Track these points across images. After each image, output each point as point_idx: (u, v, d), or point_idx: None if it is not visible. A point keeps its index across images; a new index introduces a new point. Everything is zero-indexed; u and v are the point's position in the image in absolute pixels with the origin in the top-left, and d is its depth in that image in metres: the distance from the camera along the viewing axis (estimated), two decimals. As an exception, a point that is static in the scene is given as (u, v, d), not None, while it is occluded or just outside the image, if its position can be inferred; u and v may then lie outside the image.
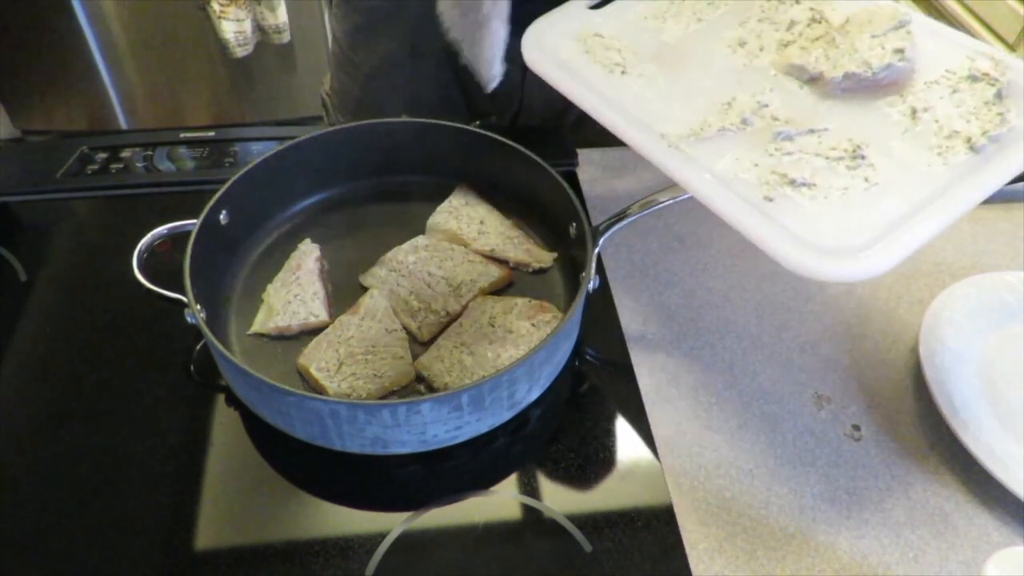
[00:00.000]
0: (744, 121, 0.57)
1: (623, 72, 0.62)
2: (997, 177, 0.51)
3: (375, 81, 0.92)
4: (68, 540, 0.53)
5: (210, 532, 0.54)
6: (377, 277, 0.67)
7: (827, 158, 0.54)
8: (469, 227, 0.72)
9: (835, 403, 0.64)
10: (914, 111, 0.56)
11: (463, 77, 0.89)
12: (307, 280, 0.66)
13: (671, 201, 0.62)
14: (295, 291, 0.65)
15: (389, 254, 0.69)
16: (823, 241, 0.49)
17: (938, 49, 0.60)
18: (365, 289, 0.68)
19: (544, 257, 0.71)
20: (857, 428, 0.62)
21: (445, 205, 0.74)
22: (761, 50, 0.63)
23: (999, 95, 0.55)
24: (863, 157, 0.53)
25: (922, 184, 0.52)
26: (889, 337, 0.69)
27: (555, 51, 0.65)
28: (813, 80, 0.59)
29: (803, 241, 0.49)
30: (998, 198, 0.83)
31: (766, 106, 0.58)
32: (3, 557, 0.52)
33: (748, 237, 0.50)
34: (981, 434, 0.59)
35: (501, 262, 0.71)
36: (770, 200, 0.52)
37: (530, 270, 0.71)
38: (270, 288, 0.66)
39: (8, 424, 0.60)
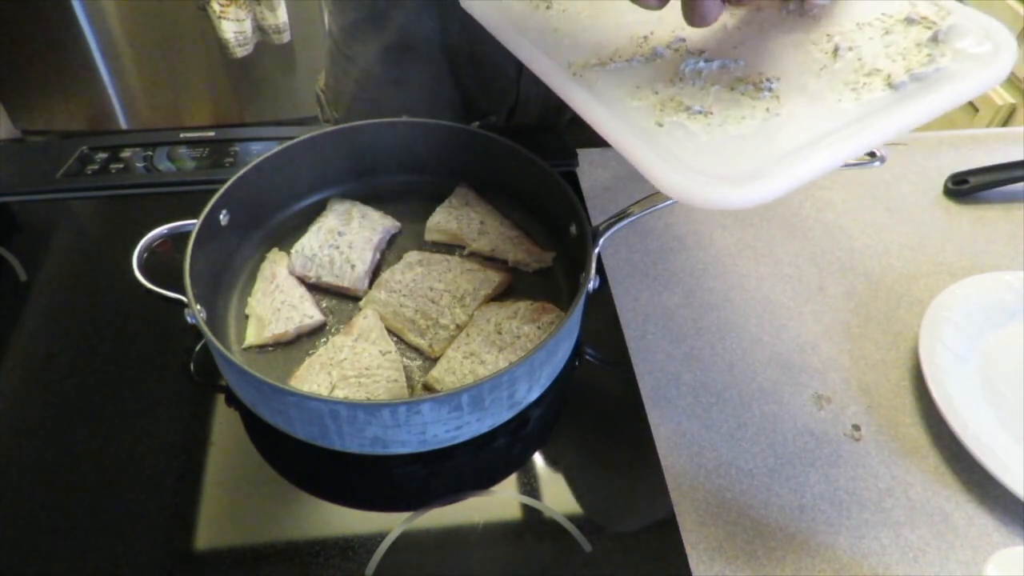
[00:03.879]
0: (655, 52, 0.55)
1: (548, 8, 0.61)
2: (910, 116, 0.47)
3: (370, 77, 0.92)
4: (68, 540, 0.53)
5: (210, 532, 0.54)
6: (378, 301, 0.66)
7: (732, 88, 0.52)
8: (469, 227, 0.72)
9: (835, 403, 0.64)
10: (836, 49, 0.53)
11: (458, 72, 0.89)
12: (288, 285, 0.66)
13: (671, 201, 0.62)
14: (280, 298, 0.65)
15: (385, 275, 0.68)
16: (711, 168, 0.46)
17: None
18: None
19: (544, 257, 0.71)
20: (857, 428, 0.62)
21: (445, 205, 0.74)
22: None
23: (935, 38, 0.51)
24: (770, 89, 0.51)
25: (828, 118, 0.48)
26: (889, 337, 0.69)
27: None
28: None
29: (690, 167, 0.46)
30: (998, 198, 0.83)
31: (683, 40, 0.56)
32: (3, 557, 0.52)
33: (632, 162, 0.48)
34: (981, 434, 0.59)
35: (500, 262, 0.71)
36: (660, 125, 0.50)
37: (530, 270, 0.71)
38: (252, 301, 0.66)
39: (8, 424, 0.60)
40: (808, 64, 0.53)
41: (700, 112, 0.50)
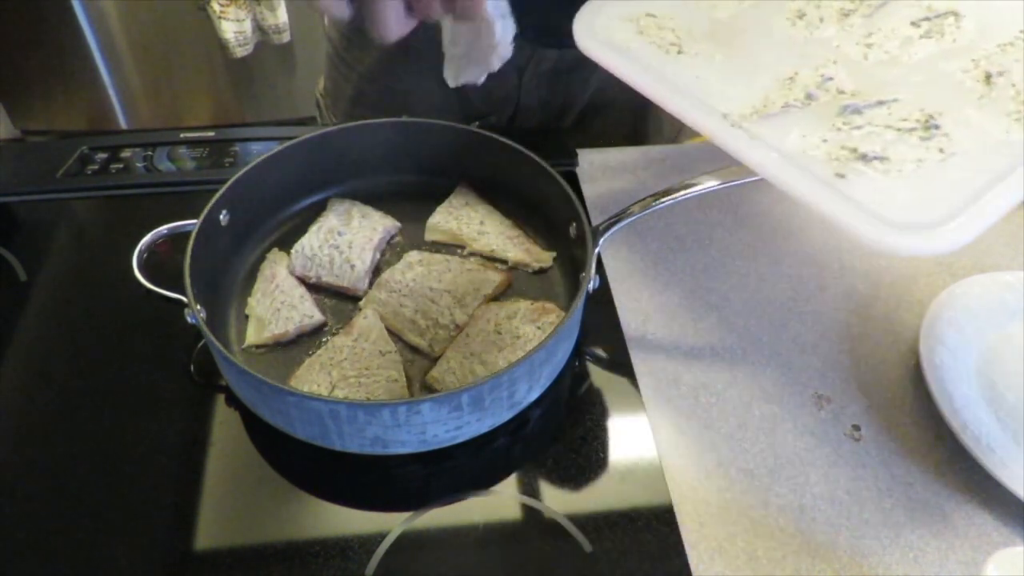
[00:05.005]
0: (808, 96, 0.55)
1: (679, 52, 0.60)
2: None
3: (369, 81, 0.92)
4: (68, 540, 0.53)
5: (210, 532, 0.54)
6: (378, 300, 0.66)
7: (898, 130, 0.52)
8: (469, 227, 0.72)
9: (835, 403, 0.64)
10: (988, 76, 0.54)
11: None
12: (288, 285, 0.66)
13: (671, 201, 0.62)
14: (280, 298, 0.65)
15: (385, 275, 0.68)
16: (899, 216, 0.47)
17: (1011, 7, 0.57)
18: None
19: (544, 257, 0.71)
20: (857, 428, 0.62)
21: (445, 205, 0.74)
22: (821, 21, 0.61)
23: None
24: (937, 127, 0.52)
25: (1000, 153, 0.50)
26: (889, 337, 0.69)
27: (608, 35, 0.63)
28: None
29: (879, 217, 0.48)
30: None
31: (830, 79, 0.56)
32: (3, 557, 0.52)
33: (823, 216, 0.49)
34: (981, 434, 0.59)
35: (500, 262, 0.71)
36: (842, 176, 0.50)
37: (530, 270, 0.71)
38: (252, 301, 0.66)
39: (8, 424, 0.60)
40: (964, 95, 0.54)
41: (877, 158, 0.51)
